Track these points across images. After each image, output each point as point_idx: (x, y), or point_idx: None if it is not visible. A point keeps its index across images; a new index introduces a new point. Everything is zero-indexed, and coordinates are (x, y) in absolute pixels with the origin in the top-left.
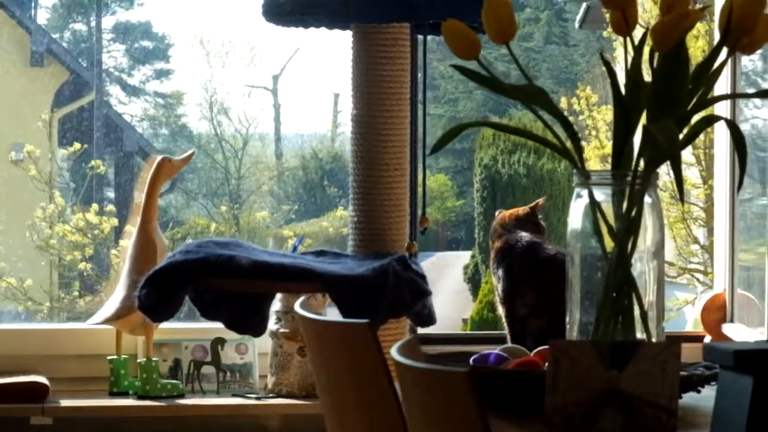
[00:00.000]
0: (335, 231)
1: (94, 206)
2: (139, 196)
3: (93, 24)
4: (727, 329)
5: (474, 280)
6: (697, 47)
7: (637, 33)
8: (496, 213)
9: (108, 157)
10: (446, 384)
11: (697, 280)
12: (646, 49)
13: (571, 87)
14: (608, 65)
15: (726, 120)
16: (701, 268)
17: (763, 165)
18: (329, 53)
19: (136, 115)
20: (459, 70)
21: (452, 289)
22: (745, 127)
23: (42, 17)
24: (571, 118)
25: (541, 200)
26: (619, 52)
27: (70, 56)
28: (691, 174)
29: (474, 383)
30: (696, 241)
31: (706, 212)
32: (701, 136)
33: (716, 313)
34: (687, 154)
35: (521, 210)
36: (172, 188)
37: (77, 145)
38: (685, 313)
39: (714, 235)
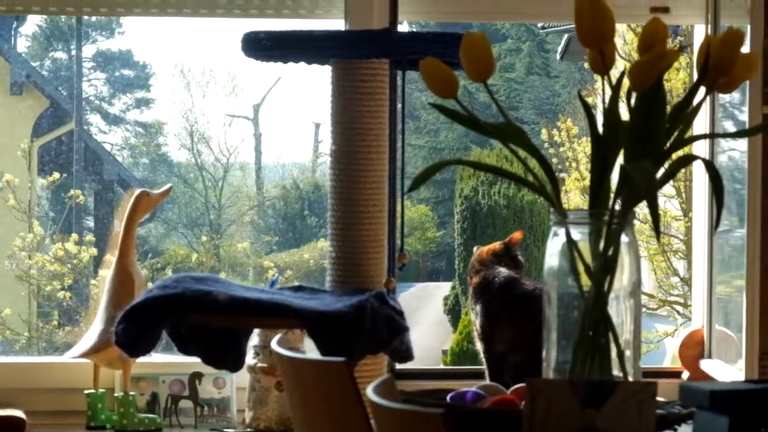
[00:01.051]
0: (316, 263)
1: (74, 236)
2: (119, 225)
3: (73, 52)
4: (705, 365)
5: (454, 311)
6: (678, 79)
7: (618, 64)
8: (474, 249)
9: (87, 187)
10: (422, 425)
11: (677, 312)
12: (625, 87)
13: (552, 118)
14: (586, 105)
15: (703, 160)
16: (681, 300)
17: (741, 198)
18: (310, 83)
19: (117, 144)
20: (437, 109)
21: (432, 319)
22: (722, 159)
23: (22, 45)
24: (551, 150)
25: (517, 234)
26: (600, 85)
27: (50, 85)
28: (671, 206)
29: (450, 425)
30: (676, 273)
31: (686, 244)
32: (682, 169)
33: (694, 349)
34: (667, 187)
35: (497, 245)
36: (152, 218)
37: (56, 175)
38: (665, 345)
39: (693, 269)
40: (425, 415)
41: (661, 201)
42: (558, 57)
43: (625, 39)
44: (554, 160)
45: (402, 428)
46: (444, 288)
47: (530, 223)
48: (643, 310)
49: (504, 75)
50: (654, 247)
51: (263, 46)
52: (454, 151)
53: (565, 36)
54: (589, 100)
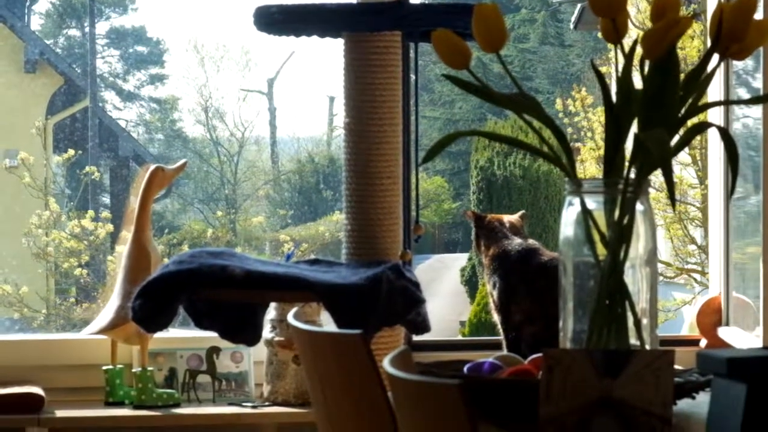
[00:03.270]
0: (331, 235)
1: (90, 212)
2: (134, 201)
3: (87, 29)
4: (723, 333)
5: (471, 282)
6: (692, 47)
7: (632, 32)
8: (483, 215)
9: (103, 163)
10: (438, 396)
11: (695, 280)
12: (638, 55)
13: (566, 88)
14: (599, 74)
15: (718, 127)
16: (698, 268)
17: (755, 164)
18: (324, 56)
19: (131, 120)
20: (450, 80)
21: (449, 291)
22: (736, 126)
23: (35, 23)
24: (566, 120)
25: (524, 212)
26: (614, 54)
27: (64, 62)
28: (688, 174)
29: (467, 396)
30: (693, 241)
31: (703, 212)
32: (697, 137)
33: (712, 317)
34: (683, 155)
35: (514, 218)
36: (167, 194)
37: (71, 152)
38: (683, 313)
39: (709, 236)
40: (442, 386)
41: (677, 169)
42: (572, 26)
43: (639, 7)
44: (569, 130)
45: (419, 400)
46: (461, 259)
47: (546, 193)
48: (661, 278)
49: (518, 45)
50: (671, 215)
51: (275, 20)
52: (469, 122)
53: (579, 5)
54: (604, 69)
